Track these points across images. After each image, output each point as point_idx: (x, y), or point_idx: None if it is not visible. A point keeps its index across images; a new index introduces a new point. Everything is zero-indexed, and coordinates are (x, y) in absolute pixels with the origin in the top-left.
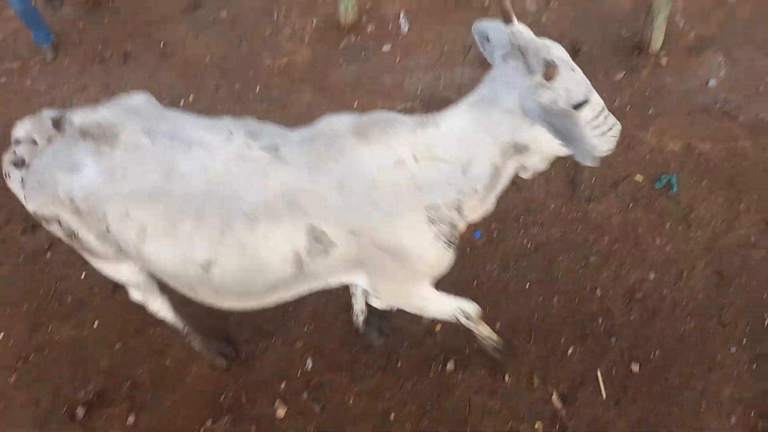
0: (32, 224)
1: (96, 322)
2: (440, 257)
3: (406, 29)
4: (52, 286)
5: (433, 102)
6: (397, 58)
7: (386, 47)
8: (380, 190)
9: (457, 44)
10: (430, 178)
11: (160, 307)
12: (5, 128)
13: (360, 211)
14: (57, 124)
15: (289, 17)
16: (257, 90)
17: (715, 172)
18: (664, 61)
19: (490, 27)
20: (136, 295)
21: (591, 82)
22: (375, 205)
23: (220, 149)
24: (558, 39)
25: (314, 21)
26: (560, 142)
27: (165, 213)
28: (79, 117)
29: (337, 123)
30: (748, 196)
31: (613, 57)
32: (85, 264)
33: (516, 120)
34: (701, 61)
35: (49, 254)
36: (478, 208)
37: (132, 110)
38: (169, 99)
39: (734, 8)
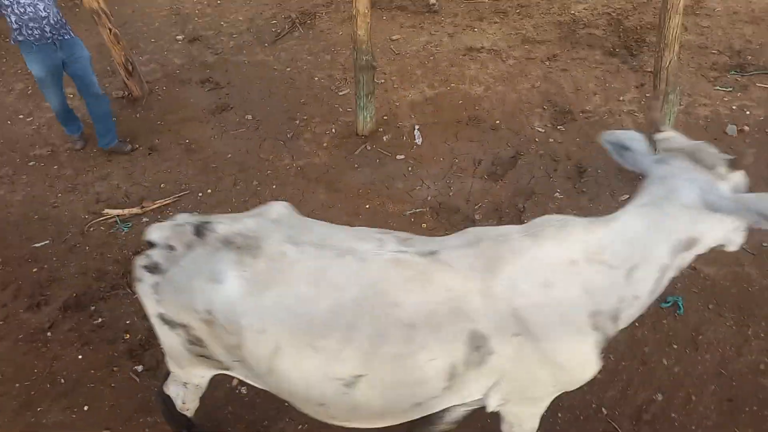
0: (37, 302)
1: (86, 407)
2: (592, 369)
3: (420, 141)
4: (47, 365)
5: (442, 208)
6: (410, 167)
7: (400, 156)
8: (554, 291)
9: (467, 159)
10: (598, 283)
11: (190, 407)
12: (25, 206)
13: (531, 312)
14: (198, 232)
15: (310, 123)
16: (274, 187)
17: (722, 296)
18: None
19: (627, 136)
20: (177, 390)
21: (596, 202)
22: (547, 308)
23: (374, 256)
24: (564, 160)
25: (333, 128)
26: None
27: (308, 326)
28: (223, 226)
29: (500, 229)
30: (755, 322)
31: (618, 178)
32: (84, 345)
33: (694, 214)
34: None
35: (49, 333)
36: (632, 317)
37: (274, 220)
38: (188, 191)
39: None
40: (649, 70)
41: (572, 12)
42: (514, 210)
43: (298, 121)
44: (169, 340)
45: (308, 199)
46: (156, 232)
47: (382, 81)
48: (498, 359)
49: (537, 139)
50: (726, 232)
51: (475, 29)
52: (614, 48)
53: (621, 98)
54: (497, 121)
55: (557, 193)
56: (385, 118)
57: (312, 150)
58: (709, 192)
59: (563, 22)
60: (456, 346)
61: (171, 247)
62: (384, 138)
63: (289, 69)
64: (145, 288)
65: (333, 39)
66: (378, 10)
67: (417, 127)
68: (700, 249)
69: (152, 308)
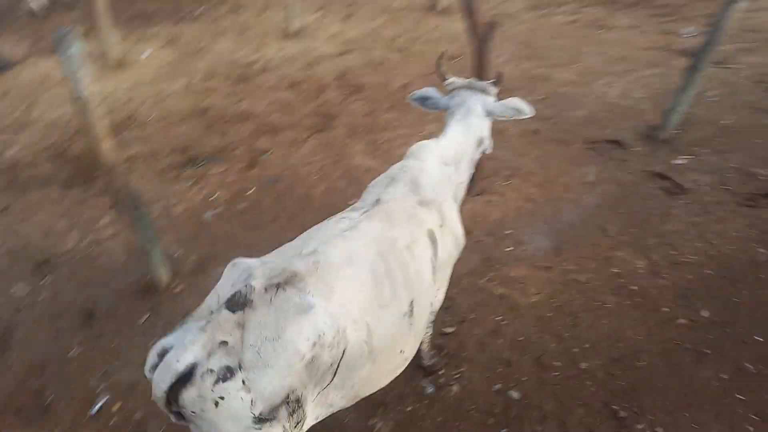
0: None
1: None
2: (462, 229)
3: None
4: None
5: None
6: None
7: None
8: (441, 187)
9: None
10: (449, 175)
11: None
12: None
13: (440, 204)
14: (236, 306)
15: None
16: None
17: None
18: (179, 288)
19: (425, 91)
20: None
21: (118, 334)
22: (443, 198)
23: (358, 225)
24: (68, 307)
25: None
26: (510, 116)
27: (370, 294)
28: (258, 280)
29: (390, 173)
30: None
31: (134, 304)
32: None
33: (484, 121)
34: (207, 275)
35: None
36: (462, 197)
37: (260, 261)
38: None
39: (212, 226)
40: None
41: (8, 157)
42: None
43: None
44: None
45: None
46: (193, 348)
47: None
48: (441, 245)
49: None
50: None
51: None
52: (70, 180)
53: (97, 225)
54: None
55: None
56: None
57: None
58: (488, 104)
59: (1, 170)
60: (426, 243)
61: (223, 343)
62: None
63: None
64: (234, 401)
65: None
66: None
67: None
68: (485, 145)
69: (243, 419)
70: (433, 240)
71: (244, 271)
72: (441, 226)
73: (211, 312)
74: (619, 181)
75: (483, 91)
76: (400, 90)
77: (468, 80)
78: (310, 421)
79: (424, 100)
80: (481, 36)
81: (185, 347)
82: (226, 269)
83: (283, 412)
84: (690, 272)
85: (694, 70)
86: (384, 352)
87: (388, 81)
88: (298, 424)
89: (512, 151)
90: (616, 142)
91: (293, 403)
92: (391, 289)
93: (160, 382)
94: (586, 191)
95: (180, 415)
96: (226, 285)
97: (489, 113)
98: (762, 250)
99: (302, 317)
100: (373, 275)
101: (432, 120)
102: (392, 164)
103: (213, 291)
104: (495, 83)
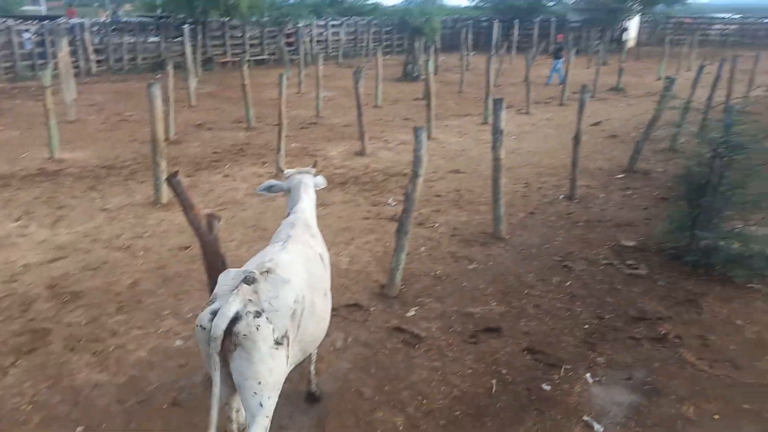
0: None
1: None
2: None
3: None
4: None
5: None
6: None
7: None
8: (314, 225)
9: None
10: (314, 222)
11: None
12: None
13: (314, 230)
14: (250, 281)
15: None
16: None
17: None
18: None
19: (268, 183)
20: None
21: None
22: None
23: (285, 246)
24: None
25: None
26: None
27: (310, 278)
28: (254, 270)
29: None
30: None
31: None
32: None
33: (313, 191)
34: None
35: None
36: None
37: (248, 266)
38: None
39: None
40: None
41: None
42: None
43: None
44: (279, 364)
45: None
46: (233, 306)
47: None
48: (324, 261)
49: None
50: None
51: None
52: None
53: None
54: None
55: None
56: None
57: None
58: (314, 179)
59: None
60: (318, 258)
61: (250, 300)
62: None
63: None
64: (264, 327)
65: None
66: None
67: None
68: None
69: (269, 340)
70: (321, 257)
71: (238, 271)
72: (321, 249)
73: (231, 290)
74: (366, 342)
75: (309, 172)
76: (128, 289)
77: (297, 168)
78: (290, 362)
79: (270, 188)
80: (205, 228)
81: (229, 304)
82: (221, 276)
83: (284, 342)
84: (442, 417)
85: (402, 233)
86: (317, 317)
87: (112, 282)
88: (287, 355)
89: None
90: (356, 305)
91: (287, 338)
92: (315, 279)
93: (221, 323)
94: (337, 358)
95: (223, 355)
96: (227, 278)
97: (315, 185)
98: (493, 381)
99: (287, 285)
100: (306, 270)
101: (169, 315)
102: (128, 373)
103: (219, 284)
104: (314, 167)
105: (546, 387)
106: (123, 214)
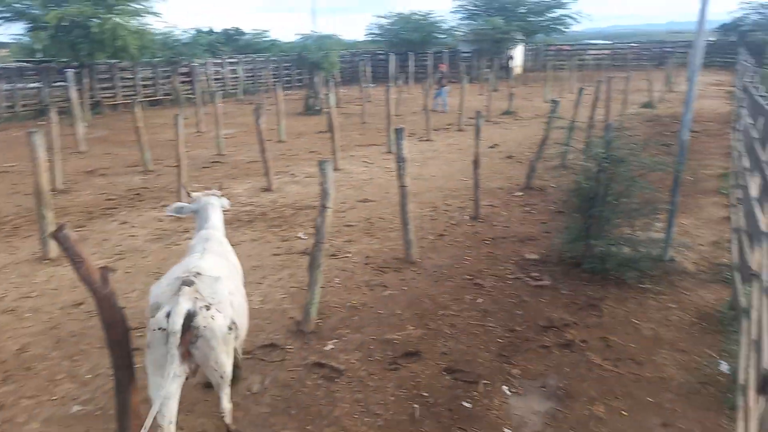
0: None
1: None
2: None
3: None
4: None
5: None
6: None
7: None
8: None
9: None
10: (221, 242)
11: None
12: None
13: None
14: (189, 283)
15: None
16: None
17: None
18: None
19: (177, 205)
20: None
21: None
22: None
23: (205, 253)
24: None
25: None
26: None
27: (232, 280)
28: (185, 274)
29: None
30: None
31: None
32: None
33: (219, 209)
34: None
35: None
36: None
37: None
38: None
39: None
40: None
41: None
42: None
43: None
44: (232, 346)
45: None
46: (184, 305)
47: None
48: (237, 269)
49: None
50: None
51: None
52: None
53: None
54: None
55: None
56: None
57: None
58: (220, 201)
59: None
60: (232, 267)
61: (195, 298)
62: None
63: None
64: (218, 317)
65: None
66: None
67: None
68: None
69: (224, 328)
70: (237, 268)
71: (168, 279)
72: (235, 261)
73: (173, 294)
74: (285, 382)
75: (215, 194)
76: (15, 356)
77: (204, 191)
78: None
79: (179, 209)
80: (99, 282)
81: (180, 304)
82: (153, 287)
83: (234, 327)
84: None
85: (314, 267)
86: (242, 312)
87: None
88: (235, 337)
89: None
90: (272, 345)
91: (235, 324)
92: (235, 282)
93: (177, 320)
94: (255, 403)
95: (185, 348)
96: (162, 287)
97: (222, 206)
98: (416, 405)
99: (219, 281)
100: (228, 273)
101: (64, 379)
102: None
103: (156, 294)
104: (219, 189)
105: (467, 404)
106: (5, 274)
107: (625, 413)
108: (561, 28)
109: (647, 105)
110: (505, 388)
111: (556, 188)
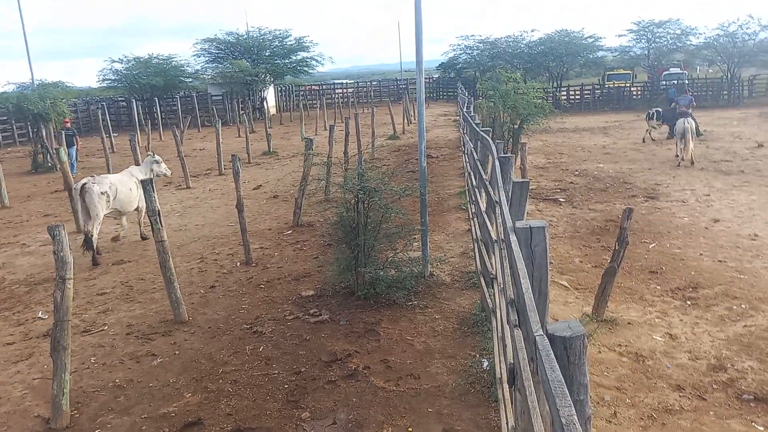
0: None
1: None
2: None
3: None
4: None
5: None
6: None
7: None
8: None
9: None
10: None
11: None
12: None
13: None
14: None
15: None
16: None
17: None
18: None
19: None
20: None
21: None
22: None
23: None
24: None
25: None
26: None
27: (123, 186)
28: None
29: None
30: None
31: None
32: None
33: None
34: None
35: None
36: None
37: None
38: None
39: None
40: None
41: None
42: None
43: None
44: (102, 203)
45: None
46: (83, 180)
47: None
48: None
49: None
50: None
51: None
52: None
53: None
54: None
55: None
56: None
57: None
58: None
59: None
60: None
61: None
62: None
63: None
64: (95, 185)
65: None
66: None
67: None
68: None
69: (98, 192)
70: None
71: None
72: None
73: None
74: None
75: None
76: None
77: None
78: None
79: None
80: None
81: (81, 181)
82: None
83: (105, 194)
84: None
85: (59, 350)
86: (125, 194)
87: None
88: (107, 202)
89: None
90: None
91: (106, 194)
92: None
93: (78, 186)
94: None
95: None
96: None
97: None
98: None
99: (107, 177)
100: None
101: None
102: None
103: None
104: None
105: None
106: None
107: (411, 430)
108: (307, 69)
109: (392, 136)
110: None
111: (323, 222)
